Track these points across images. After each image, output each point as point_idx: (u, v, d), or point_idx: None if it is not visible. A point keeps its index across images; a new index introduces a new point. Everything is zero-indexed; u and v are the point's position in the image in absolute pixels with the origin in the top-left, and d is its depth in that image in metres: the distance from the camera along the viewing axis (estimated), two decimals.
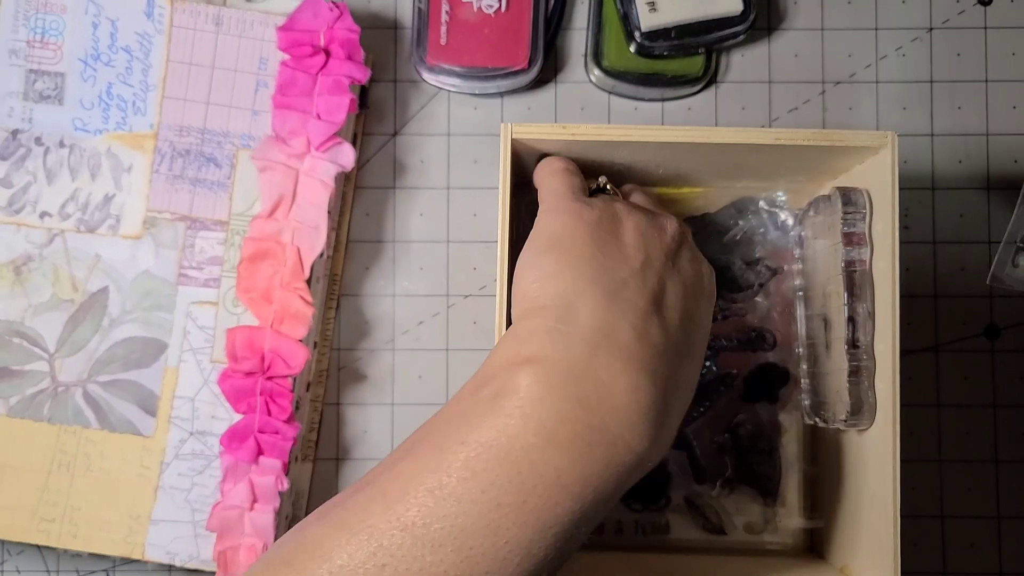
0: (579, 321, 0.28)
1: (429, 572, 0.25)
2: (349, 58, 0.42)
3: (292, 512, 0.44)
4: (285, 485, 0.41)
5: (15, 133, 0.43)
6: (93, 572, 0.45)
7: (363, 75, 0.42)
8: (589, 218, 0.31)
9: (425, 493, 0.26)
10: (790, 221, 0.44)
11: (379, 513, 0.26)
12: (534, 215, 0.45)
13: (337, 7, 0.42)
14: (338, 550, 0.26)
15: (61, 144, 0.43)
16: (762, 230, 0.44)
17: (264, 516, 0.41)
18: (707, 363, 0.43)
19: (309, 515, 0.28)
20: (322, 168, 0.42)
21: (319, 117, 0.42)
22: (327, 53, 0.42)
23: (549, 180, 0.35)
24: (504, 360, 0.29)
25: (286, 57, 0.42)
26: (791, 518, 0.44)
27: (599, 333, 0.28)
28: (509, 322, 0.33)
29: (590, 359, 0.27)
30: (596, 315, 0.28)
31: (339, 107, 0.41)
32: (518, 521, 0.26)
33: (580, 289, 0.29)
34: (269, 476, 0.41)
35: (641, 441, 0.27)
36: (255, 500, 0.41)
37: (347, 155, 0.42)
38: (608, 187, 0.38)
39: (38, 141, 0.43)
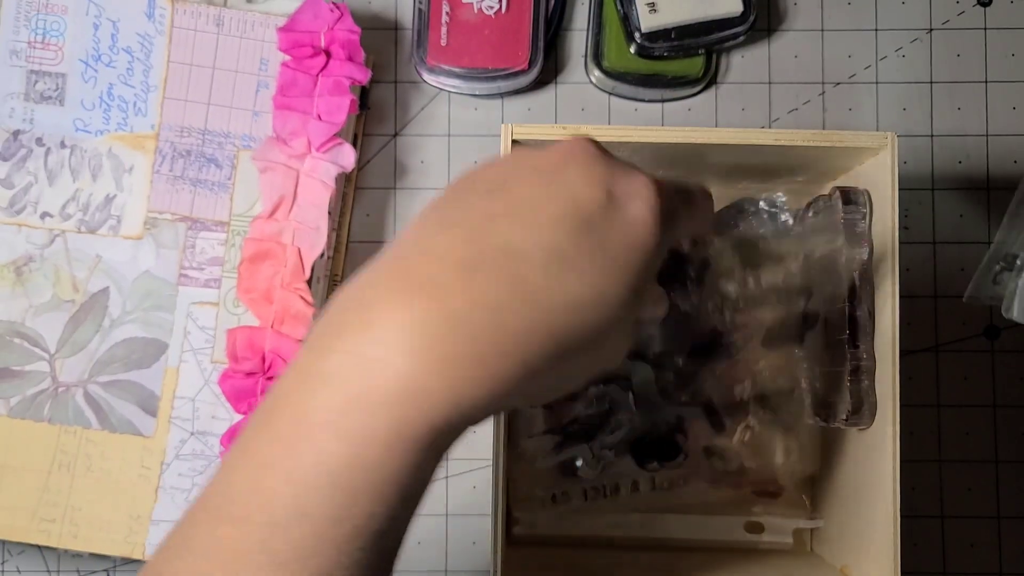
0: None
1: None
2: (350, 59, 0.42)
3: None
4: None
5: (16, 134, 0.43)
6: (94, 572, 0.45)
7: (363, 76, 0.42)
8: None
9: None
10: (790, 221, 0.44)
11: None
12: None
13: (338, 8, 0.42)
14: None
15: (62, 145, 0.43)
16: (762, 230, 0.44)
17: None
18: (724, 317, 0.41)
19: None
20: (323, 169, 0.42)
21: (320, 118, 0.42)
22: (328, 54, 0.42)
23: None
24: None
25: (287, 58, 0.42)
26: (791, 518, 0.44)
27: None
28: None
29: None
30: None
31: (339, 108, 0.41)
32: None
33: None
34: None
35: (428, 377, 0.22)
36: None
37: (347, 156, 0.42)
38: None
39: (39, 142, 0.43)
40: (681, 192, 0.28)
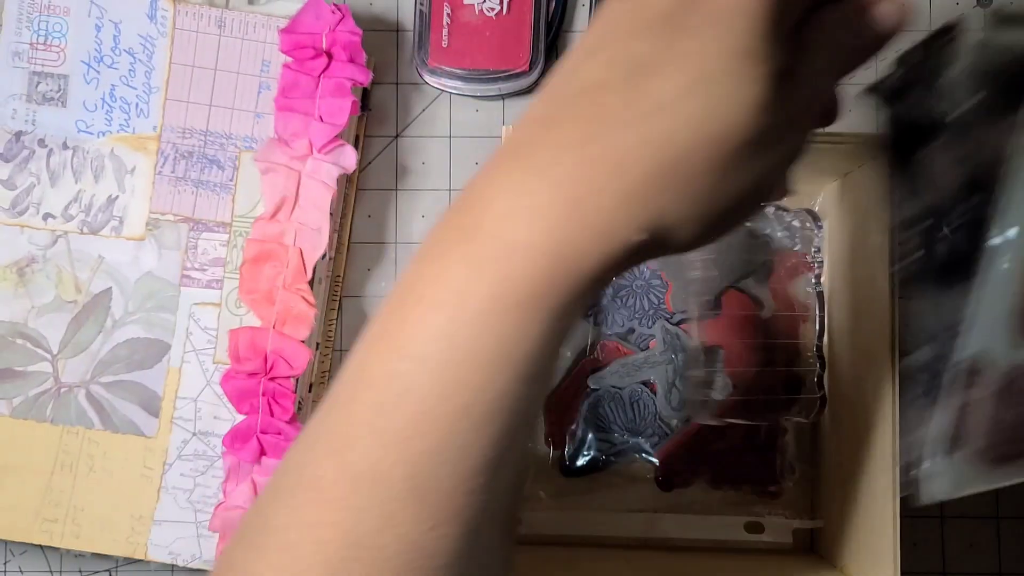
0: None
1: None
2: (351, 60, 0.42)
3: None
4: None
5: (18, 135, 0.43)
6: (96, 572, 0.45)
7: (365, 77, 0.42)
8: None
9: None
10: (796, 223, 0.44)
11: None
12: None
13: (339, 9, 0.42)
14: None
15: (64, 146, 0.43)
16: (767, 231, 0.44)
17: None
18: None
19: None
20: (324, 170, 0.42)
21: (321, 119, 0.42)
22: (329, 55, 0.42)
23: None
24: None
25: (288, 60, 0.42)
26: (791, 518, 0.44)
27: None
28: None
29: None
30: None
31: (341, 109, 0.42)
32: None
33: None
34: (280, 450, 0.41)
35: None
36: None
37: (349, 157, 0.42)
38: None
39: (41, 143, 0.43)
40: None
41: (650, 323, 0.44)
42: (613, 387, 0.44)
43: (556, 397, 0.44)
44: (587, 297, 0.22)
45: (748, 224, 0.44)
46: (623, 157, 0.21)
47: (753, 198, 0.23)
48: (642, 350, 0.44)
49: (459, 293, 0.21)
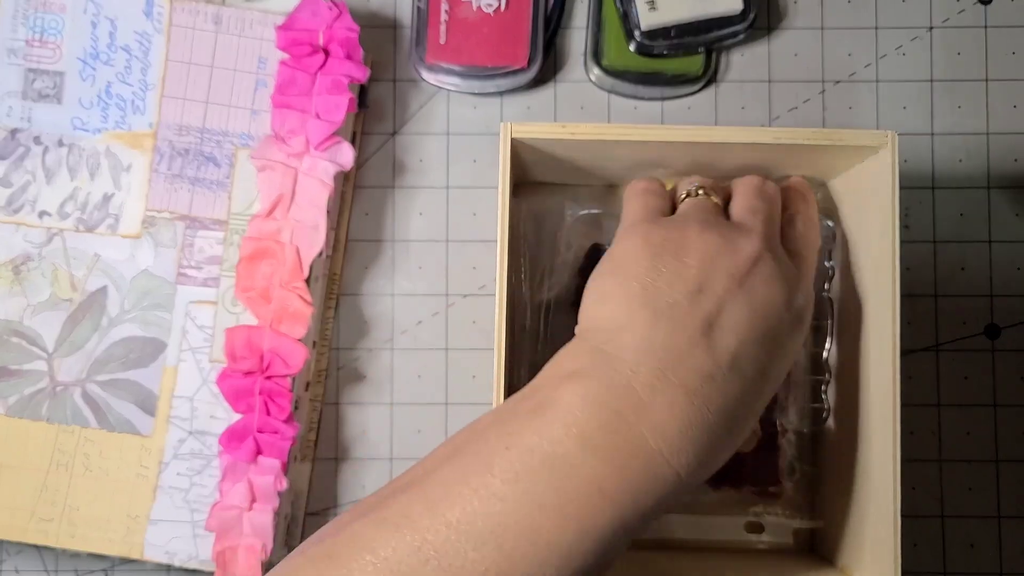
0: (624, 341, 0.29)
1: (471, 569, 0.26)
2: (348, 57, 0.42)
3: (291, 512, 0.44)
4: (284, 485, 0.41)
5: (14, 132, 0.43)
6: (92, 572, 0.45)
7: (362, 74, 0.42)
8: (654, 239, 0.32)
9: (469, 493, 0.27)
10: None
11: (422, 512, 0.27)
12: (534, 214, 0.45)
13: (336, 6, 0.42)
14: (382, 544, 0.26)
15: (60, 143, 0.43)
16: None
17: (263, 516, 0.41)
18: None
19: (343, 514, 0.29)
20: (321, 167, 0.42)
21: (318, 116, 0.41)
22: (326, 52, 0.42)
23: (628, 203, 0.36)
24: (550, 375, 0.30)
25: (285, 56, 0.42)
26: (791, 518, 0.44)
27: (640, 352, 0.29)
28: (511, 326, 0.34)
29: (630, 376, 0.28)
30: (640, 335, 0.29)
31: (338, 106, 0.41)
32: (559, 524, 0.26)
33: (630, 311, 0.30)
34: (268, 476, 0.41)
35: (679, 457, 0.28)
36: (254, 500, 0.41)
37: (346, 154, 0.42)
38: (701, 192, 0.36)
39: (37, 140, 0.43)
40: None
41: None
42: None
43: None
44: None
45: None
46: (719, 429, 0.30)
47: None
48: None
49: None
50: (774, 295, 0.31)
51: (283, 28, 0.42)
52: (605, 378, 0.28)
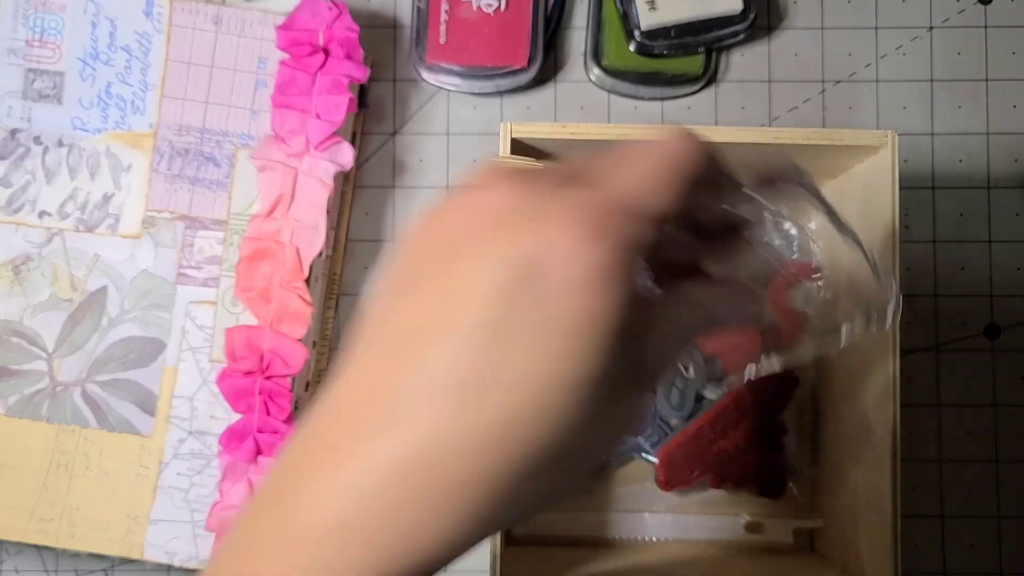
0: None
1: None
2: (348, 57, 0.42)
3: None
4: None
5: (14, 132, 0.43)
6: (92, 572, 0.45)
7: (362, 74, 0.42)
8: None
9: None
10: (794, 231, 0.44)
11: None
12: None
13: (336, 6, 0.42)
14: None
15: (60, 143, 0.43)
16: (765, 240, 0.44)
17: None
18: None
19: None
20: (321, 167, 0.42)
21: (318, 116, 0.41)
22: (326, 52, 0.42)
23: None
24: None
25: (285, 56, 0.42)
26: (791, 518, 0.44)
27: None
28: None
29: None
30: None
31: (338, 106, 0.41)
32: None
33: None
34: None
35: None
36: None
37: (346, 154, 0.42)
38: None
39: (37, 140, 0.43)
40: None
41: None
42: None
43: None
44: None
45: (745, 232, 0.43)
46: (435, 484, 0.19)
47: (557, 486, 0.21)
48: None
49: None
50: None
51: (283, 28, 0.42)
52: None
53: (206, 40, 0.43)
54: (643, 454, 0.44)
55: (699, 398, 0.43)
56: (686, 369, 0.42)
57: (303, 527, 0.20)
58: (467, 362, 0.19)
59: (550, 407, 0.19)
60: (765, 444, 0.43)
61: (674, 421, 0.43)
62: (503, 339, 0.19)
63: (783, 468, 0.43)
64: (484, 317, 0.19)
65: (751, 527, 0.44)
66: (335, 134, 0.41)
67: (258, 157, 0.42)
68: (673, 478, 0.43)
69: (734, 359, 0.42)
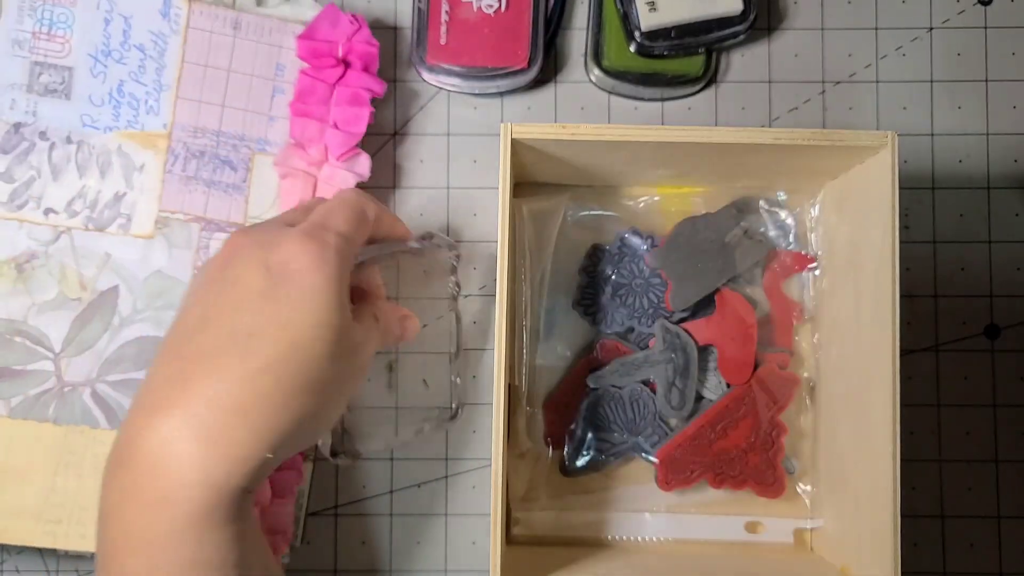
0: None
1: None
2: (366, 70, 0.43)
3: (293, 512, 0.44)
4: (303, 480, 0.42)
5: (17, 126, 0.43)
6: (92, 572, 0.45)
7: (380, 88, 0.43)
8: None
9: None
10: (790, 221, 0.44)
11: None
12: (534, 214, 0.45)
13: (356, 20, 0.43)
14: None
15: (68, 140, 0.43)
16: (762, 229, 0.44)
17: (284, 510, 0.42)
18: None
19: None
20: (340, 177, 0.42)
21: (336, 127, 0.42)
22: (346, 64, 0.43)
23: None
24: None
25: (303, 64, 0.43)
26: (791, 518, 0.44)
27: None
28: (511, 326, 0.35)
29: None
30: None
31: (359, 119, 0.42)
32: None
33: None
34: (287, 471, 0.42)
35: None
36: (273, 496, 0.41)
37: (364, 164, 0.43)
38: None
39: (43, 136, 0.43)
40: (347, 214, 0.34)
41: (650, 322, 0.44)
42: (613, 386, 0.43)
43: (555, 397, 0.44)
44: (248, 497, 0.30)
45: (743, 224, 0.44)
46: (246, 403, 0.29)
47: (325, 418, 0.33)
48: (642, 349, 0.44)
49: (144, 535, 0.28)
50: None
51: (303, 38, 0.42)
52: None
53: (224, 44, 0.43)
54: (643, 454, 0.44)
55: (699, 398, 0.43)
56: (677, 354, 0.43)
57: (183, 483, 0.28)
58: (251, 320, 0.30)
59: (307, 341, 0.30)
60: (765, 444, 0.43)
61: (674, 421, 0.43)
62: (271, 305, 0.30)
63: (783, 468, 0.43)
64: (256, 293, 0.31)
65: (751, 527, 0.44)
66: (356, 146, 0.42)
67: (281, 164, 0.42)
68: (673, 478, 0.43)
69: (729, 350, 0.42)
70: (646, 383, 0.44)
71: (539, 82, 0.46)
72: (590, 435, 0.43)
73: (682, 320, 0.44)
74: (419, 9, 0.44)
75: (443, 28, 0.44)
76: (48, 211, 0.43)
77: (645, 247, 0.44)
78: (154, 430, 0.29)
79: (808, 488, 0.44)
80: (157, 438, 0.28)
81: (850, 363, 0.40)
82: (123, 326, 0.42)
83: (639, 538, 0.44)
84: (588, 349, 0.44)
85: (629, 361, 0.43)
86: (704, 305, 0.44)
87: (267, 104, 0.43)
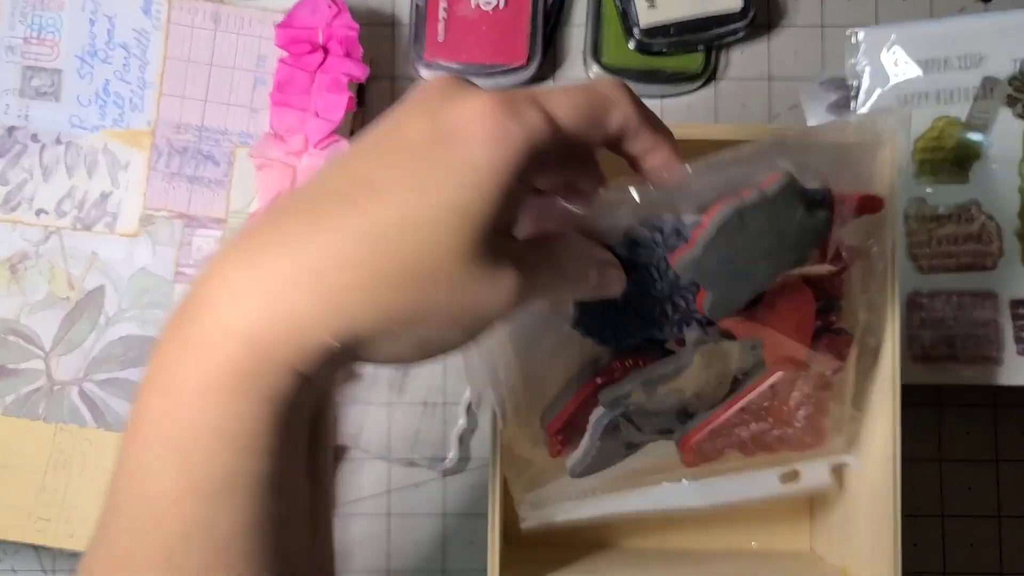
0: None
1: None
2: (347, 55, 0.42)
3: None
4: None
5: (11, 130, 0.43)
6: None
7: (362, 73, 0.42)
8: None
9: None
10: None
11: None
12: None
13: (336, 4, 0.42)
14: None
15: (57, 141, 0.43)
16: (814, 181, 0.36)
17: None
18: None
19: None
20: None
21: (317, 115, 0.41)
22: (325, 50, 0.42)
23: None
24: None
25: (284, 55, 0.42)
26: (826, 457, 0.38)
27: None
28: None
29: None
30: None
31: (337, 105, 0.41)
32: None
33: None
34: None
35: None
36: None
37: None
38: None
39: (34, 138, 0.43)
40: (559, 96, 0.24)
41: (676, 330, 0.34)
42: (632, 403, 0.35)
43: (559, 418, 0.37)
44: (302, 390, 0.23)
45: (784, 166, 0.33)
46: (325, 263, 0.22)
47: (449, 337, 0.25)
48: (667, 354, 0.35)
49: (175, 377, 0.22)
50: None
51: (282, 26, 0.42)
52: None
53: (205, 38, 0.43)
54: (666, 436, 0.37)
55: (734, 380, 0.37)
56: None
57: (225, 330, 0.22)
58: (382, 172, 0.23)
59: (435, 223, 0.22)
60: (809, 408, 0.36)
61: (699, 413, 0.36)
62: (414, 163, 0.23)
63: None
64: (405, 144, 0.23)
65: (787, 477, 0.39)
66: (334, 133, 0.41)
67: (256, 155, 0.42)
68: (700, 460, 0.38)
69: (778, 341, 0.35)
70: (674, 388, 0.35)
71: (538, 79, 0.45)
72: (600, 444, 0.36)
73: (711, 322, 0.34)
74: (417, 6, 0.44)
75: (441, 25, 0.44)
76: (39, 212, 0.43)
77: (670, 232, 0.32)
78: (220, 264, 0.23)
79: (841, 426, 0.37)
80: (220, 273, 0.23)
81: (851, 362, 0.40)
82: (109, 325, 0.42)
83: (666, 509, 0.38)
84: (592, 365, 0.36)
85: (655, 376, 0.34)
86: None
87: (249, 96, 0.43)
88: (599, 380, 0.35)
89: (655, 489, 0.39)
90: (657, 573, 0.41)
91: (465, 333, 0.25)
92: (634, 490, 0.39)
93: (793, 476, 0.38)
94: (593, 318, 0.33)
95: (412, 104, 0.24)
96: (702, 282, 0.32)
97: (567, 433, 0.38)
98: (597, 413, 0.36)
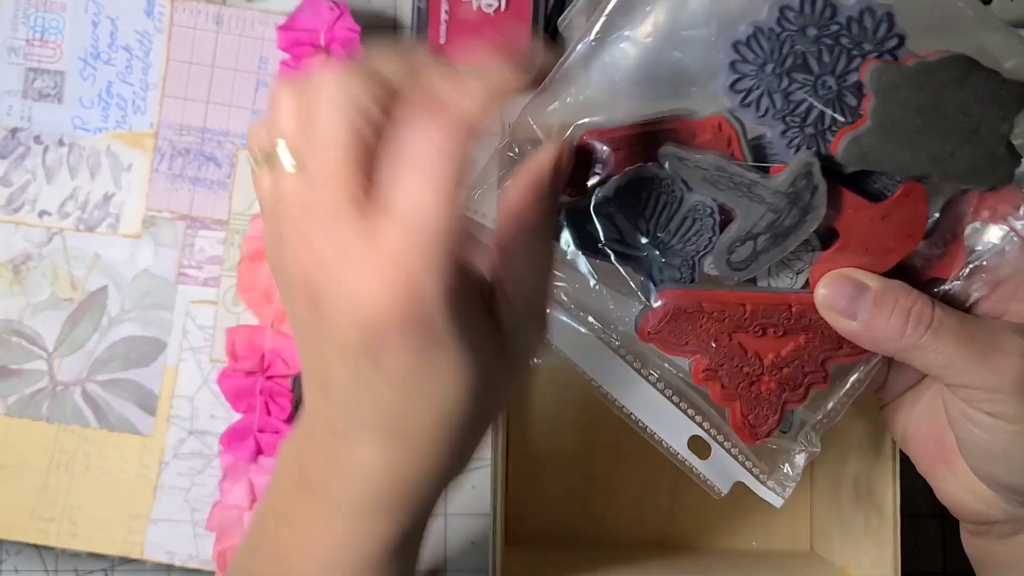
0: None
1: None
2: (350, 58, 0.42)
3: None
4: None
5: (14, 132, 0.43)
6: (92, 572, 0.45)
7: None
8: None
9: None
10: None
11: None
12: None
13: (337, 6, 0.42)
14: None
15: (60, 143, 0.43)
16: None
17: None
18: None
19: None
20: None
21: None
22: (327, 53, 0.42)
23: None
24: None
25: (286, 56, 0.42)
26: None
27: None
28: None
29: None
30: None
31: None
32: None
33: None
34: (269, 476, 0.41)
35: None
36: (255, 500, 0.41)
37: None
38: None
39: (37, 140, 0.43)
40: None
41: (790, 145, 0.28)
42: (682, 180, 0.29)
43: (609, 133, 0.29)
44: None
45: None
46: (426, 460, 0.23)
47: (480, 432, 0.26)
48: (759, 170, 0.28)
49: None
50: None
51: (284, 28, 0.42)
52: None
53: (207, 40, 0.43)
54: (645, 278, 0.31)
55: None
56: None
57: (339, 504, 0.24)
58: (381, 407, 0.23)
59: (433, 417, 0.23)
60: (788, 381, 0.31)
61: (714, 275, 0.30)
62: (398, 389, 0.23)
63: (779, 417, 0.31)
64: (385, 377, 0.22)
65: (696, 445, 0.31)
66: None
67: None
68: (660, 337, 0.30)
69: (855, 253, 0.30)
70: (722, 209, 0.29)
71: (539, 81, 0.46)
72: (606, 211, 0.29)
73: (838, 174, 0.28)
74: (418, 8, 0.44)
75: (443, 27, 0.44)
76: (42, 213, 0.43)
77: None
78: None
79: (788, 470, 0.32)
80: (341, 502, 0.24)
81: None
82: (111, 326, 0.42)
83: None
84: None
85: (730, 173, 0.28)
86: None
87: (251, 98, 0.43)
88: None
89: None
90: (657, 573, 0.41)
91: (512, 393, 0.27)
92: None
93: (704, 450, 0.31)
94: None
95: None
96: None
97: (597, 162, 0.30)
98: (630, 167, 0.29)
